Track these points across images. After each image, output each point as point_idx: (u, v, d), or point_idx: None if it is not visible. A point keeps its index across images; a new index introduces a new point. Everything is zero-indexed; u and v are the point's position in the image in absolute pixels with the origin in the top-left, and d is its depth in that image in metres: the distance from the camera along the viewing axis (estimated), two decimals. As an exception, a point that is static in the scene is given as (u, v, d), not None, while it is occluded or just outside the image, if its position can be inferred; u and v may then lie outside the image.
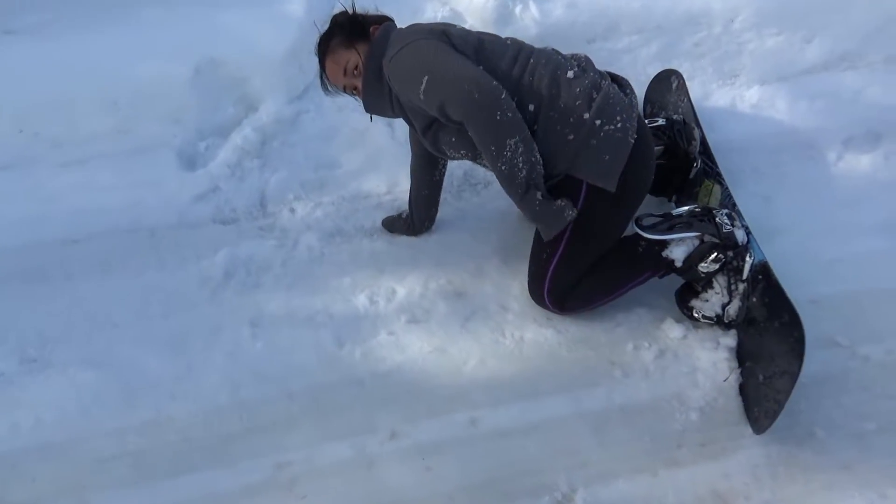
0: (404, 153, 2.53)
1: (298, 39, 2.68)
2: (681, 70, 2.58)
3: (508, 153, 1.67)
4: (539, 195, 1.72)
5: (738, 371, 1.75)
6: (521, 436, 1.67)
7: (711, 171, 2.13)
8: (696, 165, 2.15)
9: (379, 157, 2.59)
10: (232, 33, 2.65)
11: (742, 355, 1.77)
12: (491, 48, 1.79)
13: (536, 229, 1.88)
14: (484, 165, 1.88)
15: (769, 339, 1.67)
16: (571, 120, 1.72)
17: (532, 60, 1.77)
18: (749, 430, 1.65)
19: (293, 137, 2.64)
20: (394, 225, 2.29)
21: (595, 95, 1.73)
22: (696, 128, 2.19)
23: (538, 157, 1.71)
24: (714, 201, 2.03)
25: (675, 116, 2.22)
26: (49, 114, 2.48)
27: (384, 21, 1.91)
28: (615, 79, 1.87)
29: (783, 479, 1.56)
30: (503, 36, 1.93)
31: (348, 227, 2.35)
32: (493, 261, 2.15)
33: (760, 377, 1.65)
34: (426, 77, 1.67)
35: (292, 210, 2.42)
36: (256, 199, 2.47)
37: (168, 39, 2.61)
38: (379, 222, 2.35)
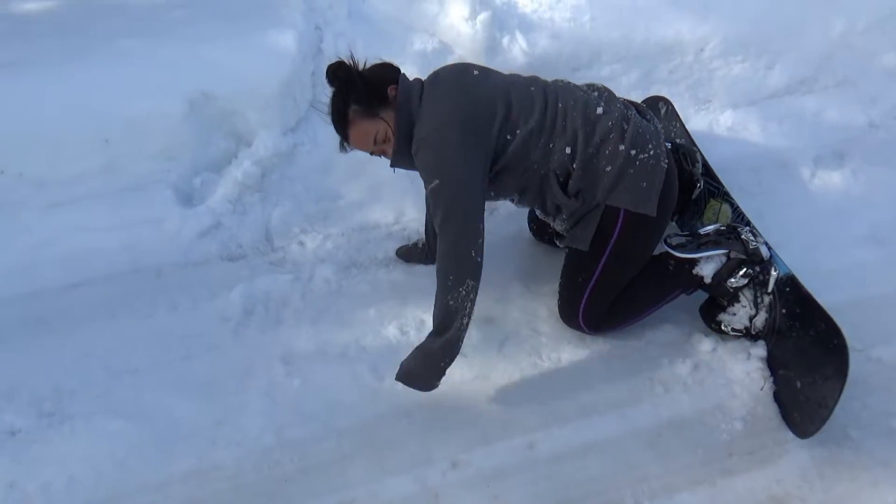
0: (407, 182, 2.56)
1: (291, 72, 2.66)
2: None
3: (463, 292, 1.69)
4: (444, 348, 1.71)
5: (772, 380, 1.84)
6: (579, 456, 1.70)
7: (717, 191, 2.24)
8: (699, 186, 2.26)
9: (381, 188, 2.59)
10: (222, 67, 2.59)
11: (773, 364, 1.86)
12: (519, 107, 1.76)
13: (568, 252, 1.93)
14: (520, 204, 1.95)
15: (805, 346, 1.77)
16: (608, 153, 1.78)
17: (560, 105, 1.79)
18: (790, 434, 1.73)
19: (291, 171, 2.61)
20: (409, 254, 2.29)
21: (626, 126, 1.81)
22: (697, 150, 2.31)
23: (466, 323, 1.72)
24: (724, 219, 2.14)
25: (677, 140, 2.33)
26: (32, 153, 2.36)
27: (391, 72, 1.81)
28: (636, 107, 1.96)
29: (831, 480, 1.65)
30: (504, 71, 1.94)
31: (362, 258, 2.33)
32: (516, 286, 2.18)
33: (798, 384, 1.75)
34: (437, 181, 1.69)
35: (301, 243, 2.38)
36: (261, 234, 2.42)
37: (157, 74, 2.53)
38: (392, 252, 2.34)
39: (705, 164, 2.30)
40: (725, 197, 2.20)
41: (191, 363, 1.94)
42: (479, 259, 1.70)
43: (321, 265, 2.28)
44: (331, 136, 2.62)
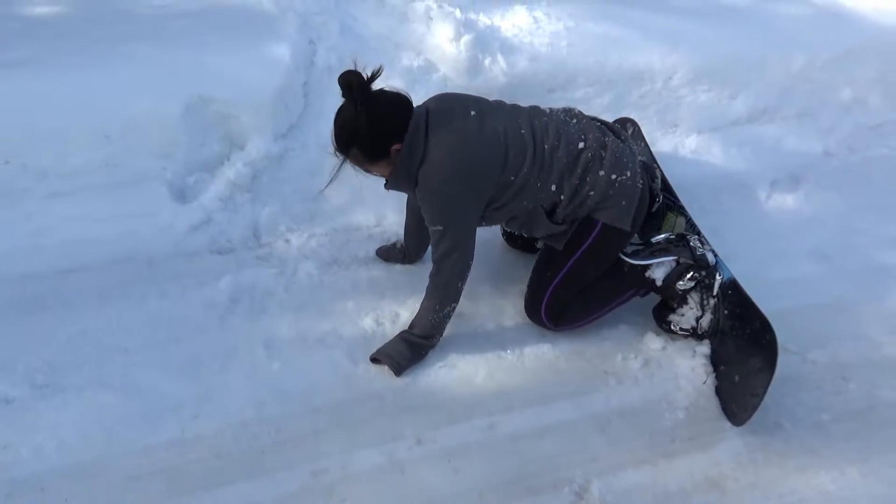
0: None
1: (284, 82, 2.83)
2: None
3: (444, 313, 2.01)
4: (423, 345, 2.03)
5: (714, 375, 2.01)
6: (535, 437, 1.85)
7: (674, 205, 2.43)
8: (658, 200, 2.43)
9: (364, 192, 2.73)
10: (220, 73, 2.76)
11: (716, 361, 2.03)
12: (514, 156, 1.91)
13: (542, 251, 2.10)
14: (507, 228, 2.14)
15: (742, 344, 1.94)
16: (588, 179, 1.96)
17: (547, 147, 1.93)
18: (728, 424, 1.90)
19: (281, 173, 2.76)
20: (389, 254, 2.45)
21: (604, 154, 1.98)
22: (657, 167, 2.50)
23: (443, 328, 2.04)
24: (679, 230, 2.31)
25: (639, 158, 2.51)
26: (37, 146, 2.49)
27: (401, 119, 1.86)
28: (611, 128, 2.13)
29: (762, 464, 1.81)
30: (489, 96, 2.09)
31: (343, 256, 2.48)
32: (485, 286, 2.33)
33: (735, 378, 1.92)
34: (440, 227, 1.91)
35: (287, 241, 2.53)
36: (250, 231, 2.56)
37: (159, 77, 2.69)
38: (372, 252, 2.49)
39: (664, 180, 2.48)
40: (681, 210, 2.38)
41: (178, 345, 2.07)
42: (461, 287, 2.01)
43: (305, 261, 2.42)
44: (319, 142, 2.83)
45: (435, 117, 1.90)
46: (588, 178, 1.96)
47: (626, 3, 3.47)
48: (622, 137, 2.12)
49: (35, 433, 1.79)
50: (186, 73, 2.73)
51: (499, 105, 2.05)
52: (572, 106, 2.20)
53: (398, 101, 1.87)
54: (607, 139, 2.03)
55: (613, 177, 1.97)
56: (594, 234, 1.99)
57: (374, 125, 1.81)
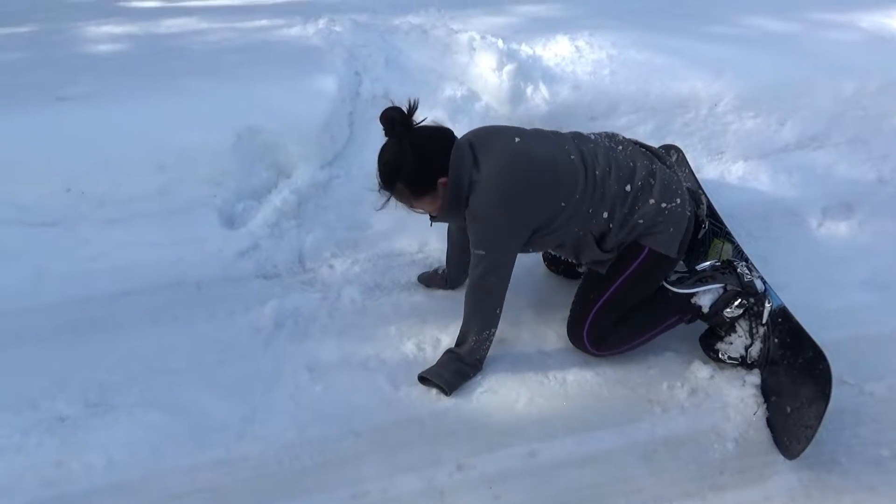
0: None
1: (331, 112, 2.92)
2: (673, 146, 2.90)
3: (483, 336, 2.03)
4: (462, 364, 2.04)
5: (765, 406, 1.94)
6: (577, 466, 1.81)
7: (720, 231, 2.39)
8: (704, 227, 2.40)
9: (407, 220, 2.75)
10: (269, 105, 2.86)
11: (766, 391, 1.97)
12: (565, 184, 1.91)
13: (586, 275, 2.09)
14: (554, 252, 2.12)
15: (794, 374, 1.88)
16: (638, 208, 1.96)
17: (598, 173, 1.93)
18: (781, 458, 1.83)
19: (326, 201, 2.82)
20: (431, 280, 2.46)
21: (653, 182, 1.98)
22: (702, 193, 2.46)
23: (485, 350, 2.06)
24: (725, 257, 2.27)
25: (684, 184, 2.49)
26: (96, 174, 2.62)
27: (443, 153, 1.88)
28: (655, 153, 2.13)
29: (817, 500, 1.73)
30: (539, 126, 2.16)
31: (386, 282, 2.51)
32: (528, 312, 2.32)
33: (788, 409, 1.85)
34: (483, 252, 1.93)
35: (331, 266, 2.57)
36: (295, 256, 2.62)
37: (211, 109, 2.80)
38: (414, 278, 2.51)
39: (709, 207, 2.44)
40: (728, 237, 2.34)
41: (224, 367, 2.12)
42: (498, 312, 2.03)
43: (348, 286, 2.46)
44: (363, 171, 2.89)
45: (481, 145, 1.93)
46: (638, 207, 1.96)
47: (668, 31, 3.47)
48: (667, 163, 2.11)
49: (86, 450, 1.83)
50: (237, 104, 2.84)
51: (541, 132, 2.06)
52: (615, 132, 2.20)
53: (440, 135, 1.92)
54: (655, 166, 2.02)
55: (663, 205, 1.96)
56: (640, 260, 1.97)
57: (419, 160, 1.86)
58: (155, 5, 4.11)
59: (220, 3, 4.07)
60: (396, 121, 1.82)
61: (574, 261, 2.13)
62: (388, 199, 1.97)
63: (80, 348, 2.17)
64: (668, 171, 2.05)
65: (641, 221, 1.96)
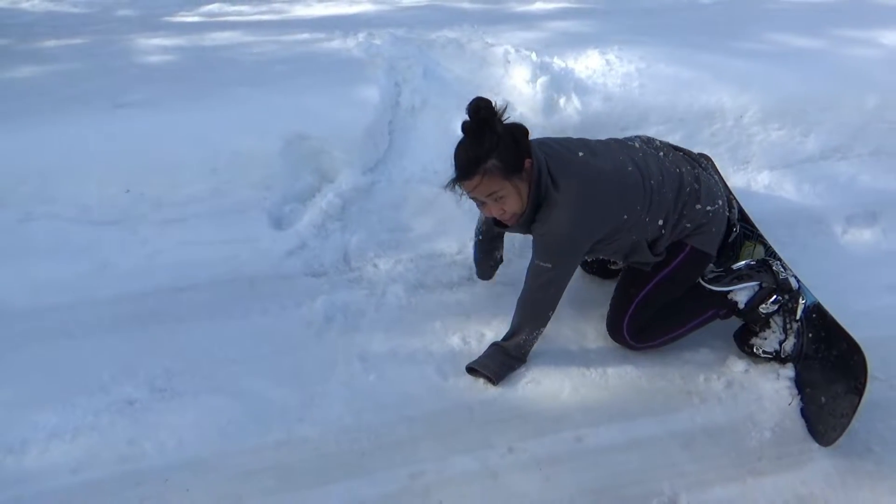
0: (470, 219, 2.87)
1: (373, 120, 3.05)
2: (702, 155, 3.00)
3: (534, 335, 2.14)
4: (516, 357, 2.15)
5: (799, 397, 2.03)
6: (622, 451, 1.91)
7: (752, 234, 2.48)
8: (736, 230, 2.50)
9: (447, 223, 2.90)
10: (316, 113, 2.99)
11: (801, 384, 2.06)
12: (632, 192, 1.99)
13: (625, 269, 2.19)
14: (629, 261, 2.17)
15: (828, 367, 1.97)
16: (687, 213, 2.08)
17: (653, 182, 2.03)
18: (816, 446, 1.91)
19: (369, 204, 2.95)
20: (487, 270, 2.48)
21: (698, 187, 2.10)
22: (733, 198, 2.56)
23: (532, 346, 2.16)
24: (758, 257, 2.37)
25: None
26: (153, 177, 2.75)
27: (525, 139, 1.92)
28: (694, 158, 2.24)
29: (852, 486, 1.82)
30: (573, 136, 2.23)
31: (429, 280, 2.62)
32: (568, 309, 2.42)
33: (822, 400, 1.94)
34: (549, 265, 2.00)
35: (375, 265, 2.69)
36: (340, 256, 2.74)
37: (261, 116, 2.94)
38: (455, 278, 2.62)
39: (741, 211, 2.55)
40: (759, 238, 2.44)
41: (280, 357, 2.23)
42: (550, 316, 2.13)
43: (393, 284, 2.57)
44: (403, 176, 3.02)
45: (552, 158, 1.95)
46: (686, 212, 2.08)
47: (695, 46, 3.59)
48: (703, 165, 2.22)
49: (157, 431, 1.95)
50: (285, 112, 2.97)
51: (595, 144, 2.12)
52: (649, 136, 2.32)
53: (516, 124, 1.92)
54: (697, 171, 2.14)
55: (708, 208, 2.08)
56: (682, 257, 2.08)
57: (509, 130, 1.87)
58: (197, 20, 4.29)
59: (261, 18, 4.24)
60: (482, 108, 1.83)
61: (622, 263, 2.22)
62: (458, 186, 1.91)
63: (144, 338, 2.29)
64: (706, 174, 2.16)
65: (689, 225, 2.08)
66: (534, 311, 2.12)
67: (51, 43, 3.79)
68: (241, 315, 2.42)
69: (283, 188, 2.89)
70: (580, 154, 2.01)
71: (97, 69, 3.30)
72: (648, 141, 2.23)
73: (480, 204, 1.98)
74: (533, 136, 2.07)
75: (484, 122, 1.82)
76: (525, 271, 2.12)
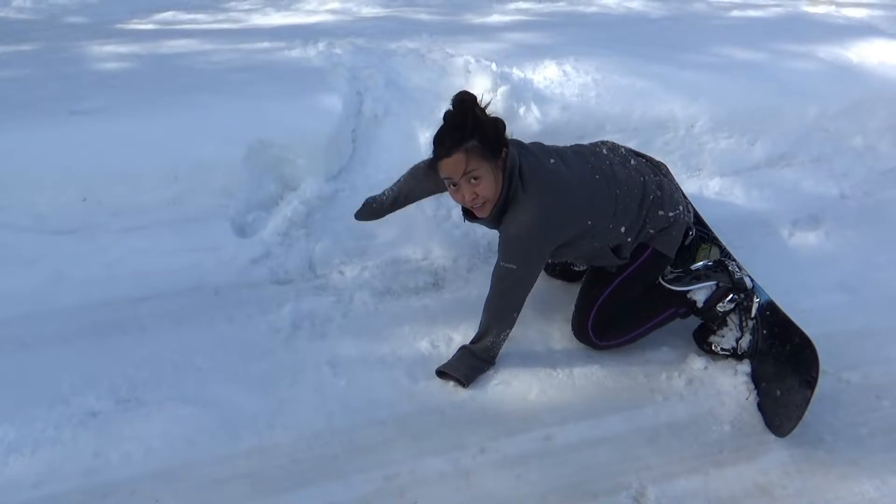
0: (433, 226, 2.91)
1: (336, 128, 3.06)
2: (657, 163, 3.12)
3: (501, 337, 2.17)
4: (484, 359, 2.18)
5: (756, 392, 2.12)
6: (590, 447, 1.96)
7: (707, 237, 2.59)
8: (692, 233, 2.60)
9: (412, 230, 2.92)
10: (278, 121, 2.98)
11: (757, 379, 2.15)
12: (597, 200, 2.07)
13: (589, 271, 2.26)
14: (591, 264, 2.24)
15: (782, 361, 2.07)
16: (648, 220, 2.17)
17: (618, 192, 2.10)
18: (773, 438, 2.00)
19: (332, 212, 2.95)
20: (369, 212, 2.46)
21: (660, 193, 2.20)
22: (688, 203, 2.67)
23: (499, 348, 2.19)
24: (714, 258, 2.47)
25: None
26: (111, 185, 2.70)
27: (503, 131, 2.00)
28: (656, 165, 2.34)
29: (807, 473, 1.91)
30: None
31: (395, 286, 2.64)
32: (533, 312, 2.46)
33: (777, 393, 2.03)
34: (513, 266, 2.05)
35: (341, 272, 2.69)
36: (306, 263, 2.73)
37: (222, 123, 2.91)
38: (421, 283, 2.65)
39: (696, 214, 2.65)
40: (714, 241, 2.54)
41: (248, 364, 2.21)
42: (515, 317, 2.16)
43: (359, 290, 2.58)
44: (367, 184, 3.03)
45: (524, 160, 2.01)
46: (649, 219, 2.17)
47: (647, 58, 3.72)
48: (663, 171, 2.31)
49: (122, 442, 1.91)
50: (247, 120, 2.95)
51: (565, 151, 2.19)
52: (613, 143, 2.40)
53: (497, 118, 2.00)
54: (659, 178, 2.23)
55: (670, 213, 2.18)
56: (644, 258, 2.17)
57: (493, 123, 1.95)
58: (152, 27, 4.22)
59: (218, 27, 4.20)
60: (467, 101, 1.92)
61: (585, 266, 2.29)
62: (437, 165, 1.96)
63: (106, 348, 2.24)
64: (667, 180, 2.25)
65: (651, 231, 2.17)
66: (499, 313, 2.16)
67: (-3, 49, 3.68)
68: (207, 323, 2.39)
69: (246, 196, 2.88)
70: (551, 161, 2.08)
71: (49, 76, 3.21)
72: (614, 148, 2.30)
73: (453, 186, 1.98)
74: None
75: (467, 111, 1.90)
76: (490, 276, 2.16)
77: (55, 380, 2.10)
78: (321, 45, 3.60)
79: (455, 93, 1.95)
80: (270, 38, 3.82)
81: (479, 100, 1.94)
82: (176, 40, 3.78)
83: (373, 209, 2.44)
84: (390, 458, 1.90)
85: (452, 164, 1.92)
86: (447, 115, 1.95)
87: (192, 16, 4.46)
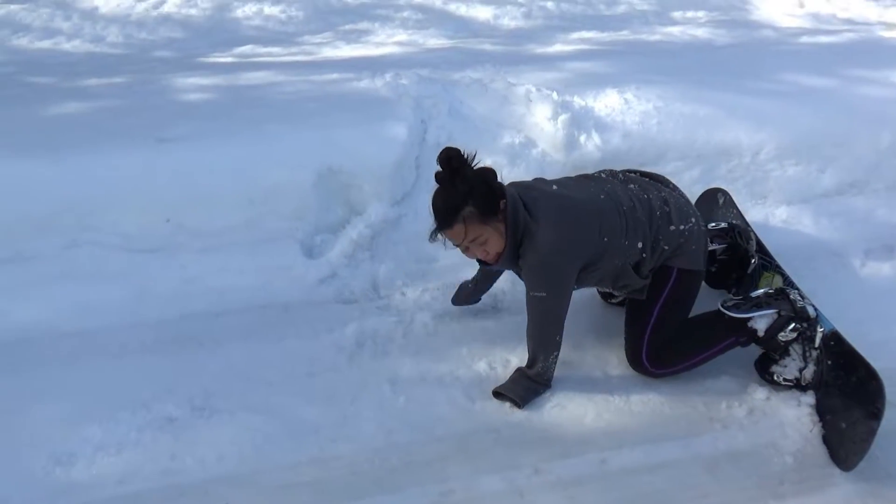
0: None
1: (400, 156, 3.19)
2: (718, 191, 3.09)
3: (550, 360, 2.19)
4: (533, 382, 2.21)
5: (820, 424, 2.07)
6: (646, 473, 1.96)
7: (770, 265, 2.56)
8: (754, 262, 2.58)
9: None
10: (346, 148, 3.13)
11: (821, 411, 2.10)
12: (607, 221, 2.09)
13: (629, 302, 2.27)
14: (620, 288, 2.26)
15: (848, 393, 2.01)
16: (660, 236, 2.18)
17: (626, 208, 2.14)
18: (838, 471, 1.95)
19: (396, 235, 3.06)
20: (460, 298, 2.59)
21: (668, 209, 2.20)
22: (750, 230, 2.65)
23: (553, 370, 2.22)
24: (777, 287, 2.43)
25: (732, 221, 2.68)
26: (192, 207, 2.89)
27: (495, 179, 2.04)
28: (657, 178, 2.36)
29: (874, 509, 1.85)
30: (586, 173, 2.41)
31: (454, 308, 2.70)
32: (590, 337, 2.50)
33: (843, 426, 1.98)
34: (543, 294, 2.10)
35: (403, 293, 2.78)
36: (370, 284, 2.84)
37: (294, 150, 3.09)
38: (479, 306, 2.70)
39: (758, 242, 2.62)
40: (777, 269, 2.51)
41: (313, 379, 2.32)
42: (560, 338, 2.19)
43: (420, 312, 2.66)
44: (430, 209, 3.12)
45: (527, 195, 2.11)
46: (661, 234, 2.17)
47: (711, 85, 3.72)
48: (670, 186, 2.33)
49: (197, 446, 2.04)
50: (317, 148, 3.12)
51: (566, 179, 2.29)
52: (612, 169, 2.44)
53: (486, 169, 2.05)
54: (664, 193, 2.25)
55: (682, 227, 2.18)
56: (672, 281, 2.19)
57: (481, 174, 2.00)
58: (231, 60, 4.49)
59: (292, 59, 4.43)
60: (454, 157, 1.97)
61: (614, 291, 2.31)
62: (441, 234, 2.06)
63: (184, 360, 2.39)
64: (675, 194, 2.27)
65: (667, 247, 2.17)
66: (541, 339, 2.20)
67: (93, 81, 3.99)
68: (276, 339, 2.52)
69: (314, 219, 3.02)
70: (553, 187, 2.16)
71: (139, 106, 3.47)
72: (612, 173, 2.34)
73: (464, 249, 2.10)
74: (554, 173, 2.19)
75: (455, 172, 1.96)
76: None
77: (138, 387, 2.25)
78: (388, 76, 3.76)
79: (441, 150, 1.98)
80: (340, 69, 4.01)
81: (464, 154, 1.97)
82: (253, 72, 4.02)
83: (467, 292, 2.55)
84: (446, 474, 1.95)
85: (454, 234, 2.04)
86: (437, 176, 2.01)
87: (268, 49, 4.73)
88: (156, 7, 5.48)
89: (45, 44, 5.06)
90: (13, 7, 5.48)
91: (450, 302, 2.68)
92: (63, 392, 2.25)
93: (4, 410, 2.18)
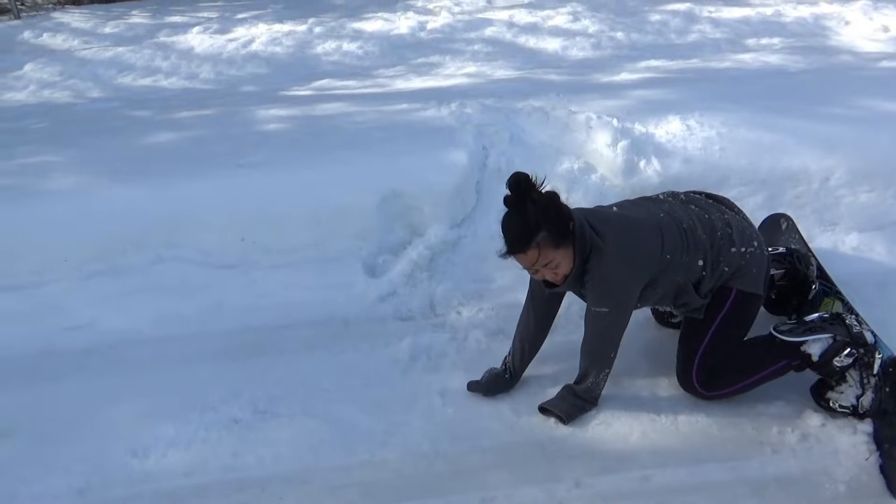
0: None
1: (462, 180, 3.31)
2: (785, 216, 3.03)
3: (601, 377, 2.22)
4: (580, 399, 2.24)
5: (878, 453, 2.00)
6: (689, 492, 1.95)
7: (830, 291, 2.49)
8: (815, 287, 2.52)
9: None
10: (410, 172, 3.29)
11: (880, 440, 2.03)
12: (668, 239, 2.10)
13: (685, 322, 2.27)
14: (679, 307, 2.26)
15: (907, 421, 1.95)
16: (722, 257, 2.18)
17: (686, 226, 2.15)
18: (894, 502, 1.88)
19: (455, 257, 3.17)
20: (493, 385, 2.39)
21: (730, 231, 2.20)
22: (811, 255, 2.60)
23: (601, 389, 2.24)
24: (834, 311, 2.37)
25: (792, 246, 2.64)
26: (265, 227, 3.11)
27: (560, 201, 2.05)
28: (719, 200, 2.36)
29: (933, 543, 1.77)
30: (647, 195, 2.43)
31: (508, 328, 2.75)
32: (641, 359, 2.50)
33: (901, 455, 1.91)
34: (606, 309, 2.13)
35: (459, 312, 2.88)
36: (427, 303, 2.95)
37: (361, 175, 3.27)
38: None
39: (819, 267, 2.57)
40: (838, 295, 2.44)
41: (367, 389, 2.44)
42: (612, 357, 2.22)
43: (474, 330, 2.74)
44: (488, 232, 3.23)
45: (591, 216, 2.15)
46: (722, 256, 2.17)
47: (778, 112, 3.66)
48: (735, 209, 2.32)
49: (257, 446, 2.19)
50: (382, 172, 3.29)
51: (622, 202, 2.33)
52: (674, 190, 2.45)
53: (551, 192, 2.06)
54: (727, 216, 2.24)
55: (743, 249, 2.17)
56: (730, 302, 2.17)
57: (553, 202, 2.03)
58: (309, 93, 4.79)
59: (365, 91, 4.68)
60: (523, 181, 1.98)
61: (673, 310, 2.30)
62: (508, 255, 2.05)
63: (250, 367, 2.57)
64: (738, 217, 2.27)
65: (727, 268, 2.16)
66: (597, 356, 2.23)
67: (184, 114, 4.36)
68: (336, 351, 2.66)
69: (377, 240, 3.17)
70: (614, 209, 2.22)
71: (222, 135, 3.77)
72: (674, 194, 2.35)
73: (534, 272, 2.13)
74: (613, 197, 2.22)
75: (524, 195, 1.97)
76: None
77: (208, 391, 2.44)
78: (453, 106, 3.92)
79: (511, 174, 1.98)
80: (409, 100, 4.21)
81: (533, 177, 1.98)
82: (328, 104, 4.28)
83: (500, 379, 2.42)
84: (489, 482, 2.01)
85: (527, 260, 2.05)
86: (506, 200, 2.00)
87: (343, 82, 5.01)
88: (245, 46, 5.91)
89: (146, 81, 5.56)
90: (120, 49, 6.06)
91: (503, 322, 2.74)
92: (141, 393, 2.46)
93: (90, 408, 2.40)
